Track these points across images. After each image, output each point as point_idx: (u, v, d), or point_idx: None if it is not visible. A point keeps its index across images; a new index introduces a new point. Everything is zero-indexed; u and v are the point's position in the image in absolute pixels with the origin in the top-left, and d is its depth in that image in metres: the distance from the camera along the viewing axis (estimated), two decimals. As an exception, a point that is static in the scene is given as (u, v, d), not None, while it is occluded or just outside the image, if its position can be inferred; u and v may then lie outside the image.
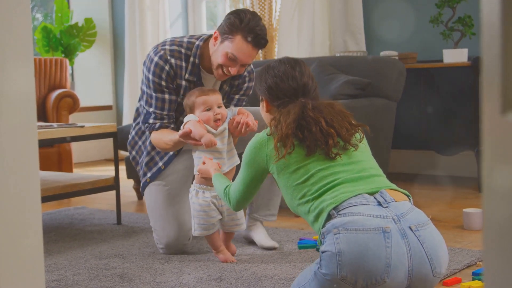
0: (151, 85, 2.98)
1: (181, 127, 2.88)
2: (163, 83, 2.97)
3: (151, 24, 6.53)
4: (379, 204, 2.04)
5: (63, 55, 6.50)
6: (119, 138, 4.23)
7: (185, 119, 2.87)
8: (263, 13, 5.71)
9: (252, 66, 3.17)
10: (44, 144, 3.52)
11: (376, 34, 5.32)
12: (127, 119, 6.57)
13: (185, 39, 3.03)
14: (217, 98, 2.88)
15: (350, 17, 5.25)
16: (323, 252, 2.02)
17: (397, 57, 4.74)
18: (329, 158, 2.19)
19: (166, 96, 2.98)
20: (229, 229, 2.96)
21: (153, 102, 2.99)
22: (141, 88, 3.11)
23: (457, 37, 4.72)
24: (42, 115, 5.37)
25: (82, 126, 3.60)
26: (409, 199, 2.14)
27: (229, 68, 2.89)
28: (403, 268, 1.96)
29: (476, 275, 2.56)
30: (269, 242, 3.09)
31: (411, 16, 5.09)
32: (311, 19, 5.31)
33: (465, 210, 3.43)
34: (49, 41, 6.43)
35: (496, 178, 0.73)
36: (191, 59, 2.99)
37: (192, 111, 2.88)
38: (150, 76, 2.97)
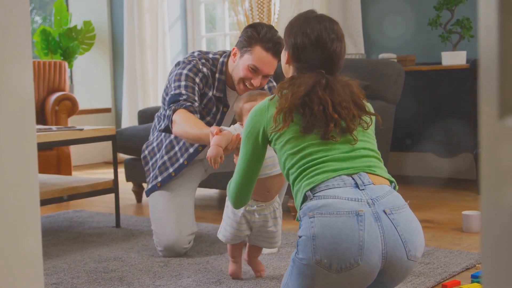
0: (183, 78, 2.96)
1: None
2: (197, 79, 2.99)
3: (150, 26, 6.53)
4: (356, 186, 2.04)
5: (62, 58, 6.50)
6: (118, 141, 4.24)
7: (232, 128, 2.63)
8: (261, 15, 5.71)
9: (274, 82, 3.18)
10: (43, 147, 3.52)
11: (375, 36, 5.32)
12: (126, 121, 6.57)
13: (210, 55, 3.09)
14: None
15: (348, 19, 5.25)
16: (300, 237, 2.04)
17: (395, 60, 4.74)
18: (325, 139, 2.14)
19: (196, 88, 2.98)
20: (255, 243, 2.73)
21: (183, 88, 2.95)
22: (162, 96, 3.13)
23: (455, 40, 4.73)
24: (41, 118, 5.37)
25: (81, 129, 3.60)
26: (391, 184, 2.13)
27: (251, 80, 2.92)
28: (377, 251, 1.97)
29: (475, 278, 2.56)
30: (267, 250, 3.09)
31: (409, 18, 5.10)
32: (309, 21, 5.30)
33: (464, 212, 3.43)
34: (48, 44, 6.43)
35: (494, 183, 0.73)
36: (217, 75, 3.05)
37: (240, 118, 2.63)
38: (185, 71, 2.98)
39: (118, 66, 6.99)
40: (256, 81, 2.93)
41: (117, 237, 3.48)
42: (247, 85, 2.95)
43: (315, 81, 2.16)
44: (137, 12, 6.51)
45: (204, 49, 6.73)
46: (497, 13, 0.74)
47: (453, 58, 4.55)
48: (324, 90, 2.15)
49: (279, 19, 5.54)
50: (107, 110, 6.94)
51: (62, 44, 6.50)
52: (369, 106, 2.25)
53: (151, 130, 3.35)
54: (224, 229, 2.69)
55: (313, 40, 2.20)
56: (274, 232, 2.67)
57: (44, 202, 3.41)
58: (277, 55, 2.91)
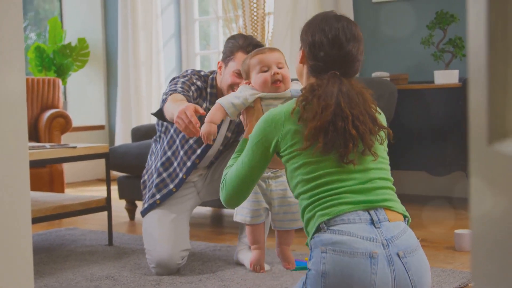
0: (179, 83, 3.01)
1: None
2: (192, 88, 3.06)
3: (144, 44, 6.55)
4: (372, 223, 1.99)
5: (56, 74, 6.50)
6: (111, 158, 4.23)
7: (239, 90, 2.46)
8: (255, 33, 5.74)
9: None
10: (36, 164, 3.51)
11: (368, 55, 5.35)
12: (120, 139, 6.56)
13: (202, 73, 3.18)
14: (276, 56, 2.48)
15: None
16: (309, 270, 2.01)
17: (388, 78, 4.76)
18: (342, 162, 2.05)
19: (190, 92, 3.02)
20: (281, 226, 2.51)
21: (179, 85, 3.00)
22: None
23: (448, 59, 4.75)
24: (35, 135, 5.37)
25: (74, 147, 3.60)
26: (405, 218, 2.10)
27: (239, 85, 2.93)
28: None
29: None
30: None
31: (402, 37, 5.13)
32: (303, 40, 5.33)
33: (457, 231, 3.43)
34: (42, 61, 6.44)
35: (484, 208, 0.73)
36: (208, 90, 3.14)
37: (248, 76, 2.46)
38: (181, 79, 3.05)
39: (112, 83, 7.00)
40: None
41: (110, 255, 3.47)
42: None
43: (338, 89, 2.08)
44: (132, 29, 6.53)
45: (198, 66, 6.76)
46: (485, 39, 0.75)
47: (446, 77, 4.57)
48: (344, 100, 2.07)
49: (273, 37, 5.57)
50: (101, 127, 6.94)
51: (56, 61, 6.51)
52: (381, 119, 2.19)
53: (149, 156, 3.38)
54: (241, 208, 2.54)
55: (330, 38, 2.13)
56: (297, 204, 2.34)
57: (36, 220, 3.40)
58: None
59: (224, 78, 3.05)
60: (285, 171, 2.16)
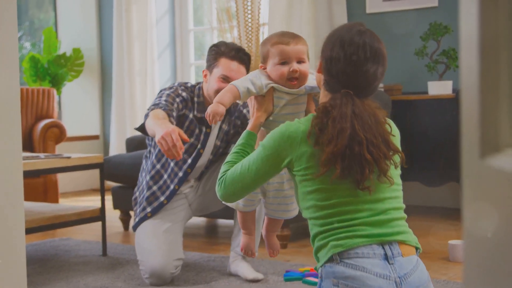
0: (164, 96, 3.08)
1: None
2: (177, 99, 3.12)
3: (139, 54, 6.56)
4: (386, 258, 1.95)
5: (51, 84, 6.51)
6: (106, 168, 4.23)
7: (254, 76, 2.27)
8: (250, 43, 5.75)
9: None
10: (30, 175, 3.51)
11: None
12: (114, 149, 6.56)
13: (188, 84, 3.25)
14: (298, 49, 2.24)
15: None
16: None
17: (382, 89, 4.78)
18: (358, 189, 1.98)
19: (175, 105, 3.08)
20: (273, 214, 2.40)
21: (163, 99, 3.05)
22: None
23: (441, 70, 4.78)
24: (29, 145, 5.36)
25: (69, 157, 3.59)
26: (417, 250, 2.05)
27: None
28: None
29: (461, 308, 2.56)
30: (253, 274, 3.10)
31: (396, 48, 5.15)
32: (297, 50, 5.35)
33: (451, 241, 3.44)
34: (37, 71, 6.44)
35: (476, 221, 0.74)
36: (195, 99, 3.20)
37: (265, 61, 2.27)
38: (166, 92, 3.12)
39: (107, 93, 7.00)
40: None
41: (104, 266, 3.47)
42: None
43: (351, 111, 1.98)
44: (126, 39, 6.54)
45: (192, 76, 6.78)
46: (477, 54, 0.76)
47: (439, 88, 4.59)
48: (357, 122, 1.97)
49: (267, 47, 5.58)
50: (95, 137, 6.94)
51: (51, 71, 6.51)
52: (395, 141, 2.09)
53: (140, 173, 3.39)
54: None
55: (347, 54, 2.00)
56: (292, 197, 2.34)
57: (30, 230, 3.39)
58: (242, 61, 3.11)
59: (210, 85, 3.12)
60: (295, 187, 2.10)
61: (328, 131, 1.96)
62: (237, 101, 3.08)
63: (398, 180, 2.08)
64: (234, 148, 2.20)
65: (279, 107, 2.23)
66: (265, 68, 2.25)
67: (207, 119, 2.20)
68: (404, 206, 2.10)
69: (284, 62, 2.21)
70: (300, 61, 2.23)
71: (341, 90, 2.02)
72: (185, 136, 2.58)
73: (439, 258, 3.46)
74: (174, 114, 3.03)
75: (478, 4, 0.75)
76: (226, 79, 3.04)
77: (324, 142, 1.96)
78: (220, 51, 3.10)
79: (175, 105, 3.08)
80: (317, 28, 5.37)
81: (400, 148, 2.08)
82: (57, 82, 6.54)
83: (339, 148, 1.94)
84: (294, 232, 4.14)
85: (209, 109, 2.19)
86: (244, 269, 3.14)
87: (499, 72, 0.73)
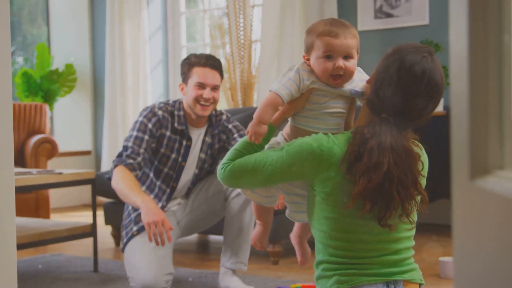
0: (137, 126, 3.23)
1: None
2: (150, 125, 3.21)
3: (132, 70, 6.57)
4: None
5: (43, 100, 6.51)
6: (98, 184, 4.23)
7: (298, 72, 2.03)
8: (242, 60, 5.78)
9: (227, 114, 3.40)
10: (22, 190, 3.51)
11: (354, 82, 5.39)
12: (106, 164, 6.55)
13: (170, 101, 3.33)
14: (348, 44, 1.98)
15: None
16: None
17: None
18: (379, 225, 1.89)
19: (146, 137, 3.19)
20: (293, 217, 2.20)
21: (132, 139, 3.21)
22: None
23: (433, 87, 4.80)
24: (21, 160, 5.35)
25: (60, 173, 3.59)
26: (420, 286, 2.01)
27: (203, 96, 3.17)
28: None
29: (452, 325, 2.57)
30: (245, 287, 3.11)
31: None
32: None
33: (441, 258, 3.45)
34: (29, 86, 6.44)
35: (466, 241, 0.75)
36: (176, 112, 3.27)
37: (309, 52, 2.02)
38: (140, 118, 3.25)
39: (99, 109, 7.01)
40: (207, 94, 3.17)
41: (95, 282, 3.46)
42: (202, 103, 3.18)
43: (390, 144, 1.86)
44: (119, 55, 6.55)
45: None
46: (467, 79, 0.77)
47: (431, 105, 4.62)
48: (393, 158, 1.86)
49: (260, 64, 5.60)
50: (87, 153, 6.93)
51: (43, 87, 6.51)
52: (423, 182, 1.99)
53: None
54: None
55: (400, 80, 1.86)
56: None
57: (21, 246, 3.38)
58: (214, 67, 3.21)
59: (188, 95, 3.21)
60: (309, 198, 1.98)
61: (364, 162, 1.84)
62: (222, 116, 3.17)
63: (415, 218, 1.98)
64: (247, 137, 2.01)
65: (318, 104, 2.00)
66: (308, 59, 2.01)
67: (249, 138, 1.98)
68: (414, 243, 2.03)
69: (329, 56, 1.96)
70: (347, 56, 1.98)
71: (382, 115, 1.90)
72: (169, 225, 2.85)
73: (430, 274, 3.47)
74: (140, 159, 3.15)
75: (468, 24, 0.76)
76: (202, 86, 3.17)
77: (357, 173, 1.85)
78: (192, 62, 3.22)
79: (146, 136, 3.18)
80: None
81: (424, 184, 1.98)
82: (49, 98, 6.54)
83: (373, 184, 1.83)
84: (286, 248, 4.14)
85: (250, 130, 1.98)
86: (235, 283, 3.14)
87: (488, 96, 0.75)
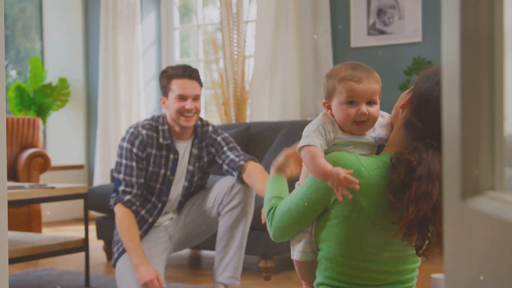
0: (123, 153, 3.22)
1: None
2: (134, 150, 3.21)
3: (125, 84, 6.58)
4: None
5: (36, 113, 6.50)
6: (90, 198, 4.22)
7: (321, 125, 1.89)
8: (236, 76, 5.79)
9: (213, 125, 3.40)
10: (14, 204, 3.50)
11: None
12: (98, 179, 6.55)
13: (154, 116, 3.34)
14: (370, 89, 1.88)
15: (321, 82, 5.35)
16: None
17: (367, 122, 4.82)
18: (386, 256, 1.85)
19: (133, 164, 3.20)
20: None
21: (122, 169, 3.20)
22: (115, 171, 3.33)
23: (425, 104, 4.83)
24: (13, 174, 5.34)
25: (53, 187, 3.59)
26: None
27: (185, 107, 3.19)
28: None
29: None
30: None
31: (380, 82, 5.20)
32: (282, 83, 5.40)
33: (433, 275, 3.45)
34: (23, 100, 6.44)
35: (457, 261, 0.76)
36: (160, 127, 3.27)
37: (329, 98, 1.91)
38: (124, 144, 3.23)
39: (92, 123, 7.01)
40: (189, 105, 3.19)
41: (87, 297, 3.44)
42: (185, 114, 3.20)
43: (438, 171, 1.75)
44: (113, 70, 6.56)
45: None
46: (459, 98, 0.78)
47: (423, 122, 4.64)
48: (439, 185, 1.74)
49: (253, 80, 5.62)
50: (80, 167, 6.91)
51: (36, 101, 6.51)
52: None
53: None
54: (296, 241, 1.99)
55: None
56: None
57: (13, 261, 3.37)
58: (192, 77, 3.24)
59: (170, 108, 3.23)
60: (318, 224, 1.90)
61: (412, 191, 1.75)
62: (208, 127, 3.17)
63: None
64: (270, 194, 1.99)
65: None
66: (329, 107, 1.91)
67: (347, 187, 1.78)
68: (417, 272, 2.00)
69: (351, 101, 1.86)
70: (370, 102, 1.88)
71: (425, 140, 1.80)
72: (163, 281, 3.00)
73: (422, 291, 3.47)
74: (135, 189, 3.19)
75: (460, 43, 0.77)
76: (183, 98, 3.19)
77: (405, 201, 1.75)
78: (169, 75, 3.23)
79: (134, 163, 3.20)
80: (302, 61, 5.42)
81: None
82: (42, 112, 6.54)
83: (421, 214, 1.74)
84: (278, 264, 4.14)
85: (339, 185, 1.75)
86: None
87: (479, 117, 0.76)
